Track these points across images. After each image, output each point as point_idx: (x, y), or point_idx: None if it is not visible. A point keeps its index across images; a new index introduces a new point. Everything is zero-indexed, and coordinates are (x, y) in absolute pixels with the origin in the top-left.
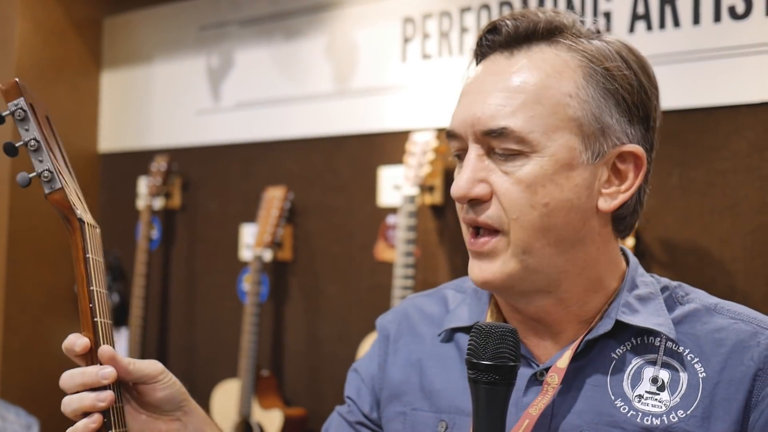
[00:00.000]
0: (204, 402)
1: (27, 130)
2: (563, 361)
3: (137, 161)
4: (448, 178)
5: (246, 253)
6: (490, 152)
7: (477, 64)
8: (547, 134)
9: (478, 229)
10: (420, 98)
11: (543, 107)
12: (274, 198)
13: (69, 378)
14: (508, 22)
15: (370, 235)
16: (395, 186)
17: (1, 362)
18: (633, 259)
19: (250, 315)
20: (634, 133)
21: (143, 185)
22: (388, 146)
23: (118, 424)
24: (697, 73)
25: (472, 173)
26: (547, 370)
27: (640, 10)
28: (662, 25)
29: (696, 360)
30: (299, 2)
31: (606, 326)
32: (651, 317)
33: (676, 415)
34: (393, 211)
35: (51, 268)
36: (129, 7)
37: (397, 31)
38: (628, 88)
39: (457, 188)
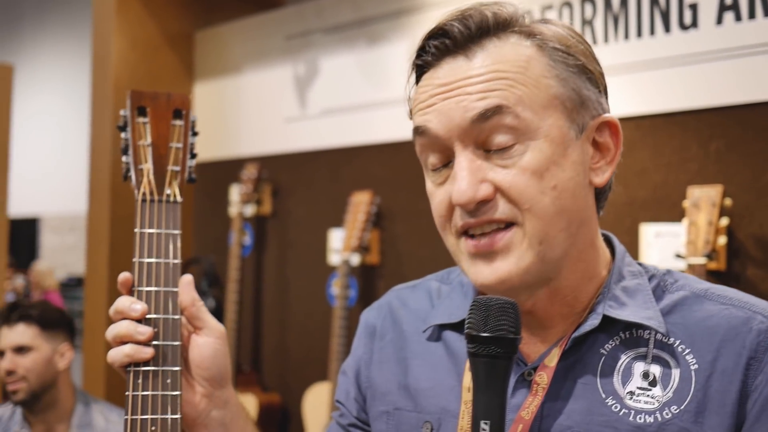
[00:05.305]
0: (296, 404)
1: (125, 135)
2: (551, 359)
3: (229, 170)
4: None
5: (334, 258)
6: (479, 152)
7: (421, 74)
8: (538, 113)
9: (470, 234)
10: None
11: (526, 87)
12: (361, 202)
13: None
14: (455, 23)
15: None
16: None
17: (106, 368)
18: (620, 247)
19: (339, 318)
20: (605, 104)
21: (235, 193)
22: None
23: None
24: None
25: (471, 175)
26: (534, 369)
27: (728, 0)
28: (752, 15)
29: (687, 351)
30: (381, 8)
31: (593, 322)
32: (639, 310)
33: (670, 411)
34: None
35: None
36: (218, 20)
37: None
38: (591, 59)
39: (461, 194)
